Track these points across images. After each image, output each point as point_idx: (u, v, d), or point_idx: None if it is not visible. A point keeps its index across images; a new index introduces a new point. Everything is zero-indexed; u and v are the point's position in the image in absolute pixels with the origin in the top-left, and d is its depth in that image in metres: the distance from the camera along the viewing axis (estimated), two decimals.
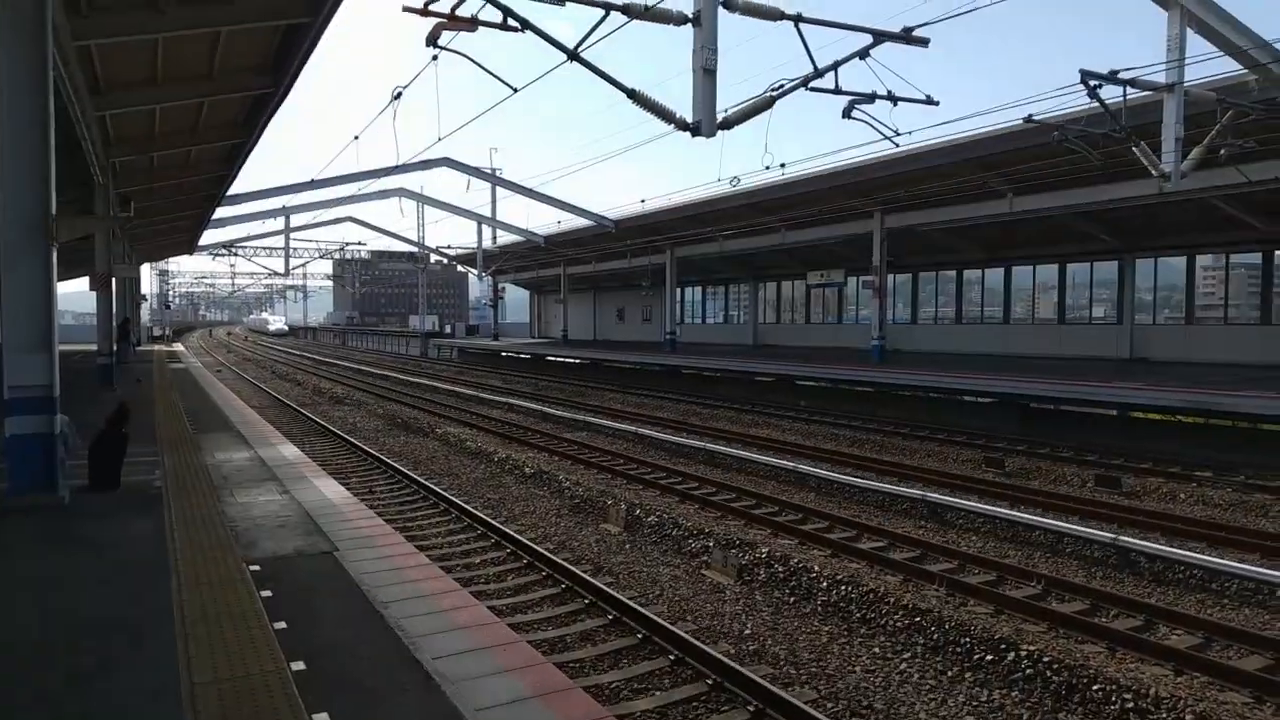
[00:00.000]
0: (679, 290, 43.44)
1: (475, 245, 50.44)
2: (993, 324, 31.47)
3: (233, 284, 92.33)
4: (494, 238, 50.07)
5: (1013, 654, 6.75)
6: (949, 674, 6.84)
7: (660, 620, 7.35)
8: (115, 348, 22.03)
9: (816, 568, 8.87)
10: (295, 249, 55.59)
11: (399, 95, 17.61)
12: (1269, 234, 22.24)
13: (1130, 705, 5.99)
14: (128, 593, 5.83)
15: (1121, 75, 14.37)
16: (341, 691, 4.32)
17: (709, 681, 6.38)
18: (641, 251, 39.78)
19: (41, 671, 4.56)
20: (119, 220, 20.09)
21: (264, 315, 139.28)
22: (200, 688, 4.31)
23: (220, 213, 34.86)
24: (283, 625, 5.17)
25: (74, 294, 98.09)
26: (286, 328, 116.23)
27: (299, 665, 4.60)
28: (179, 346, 54.32)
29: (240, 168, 23.22)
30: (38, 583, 6.10)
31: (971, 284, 32.90)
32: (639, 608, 7.69)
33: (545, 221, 43.10)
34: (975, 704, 6.35)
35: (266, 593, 5.76)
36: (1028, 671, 6.58)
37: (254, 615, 5.33)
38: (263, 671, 4.50)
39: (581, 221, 38.27)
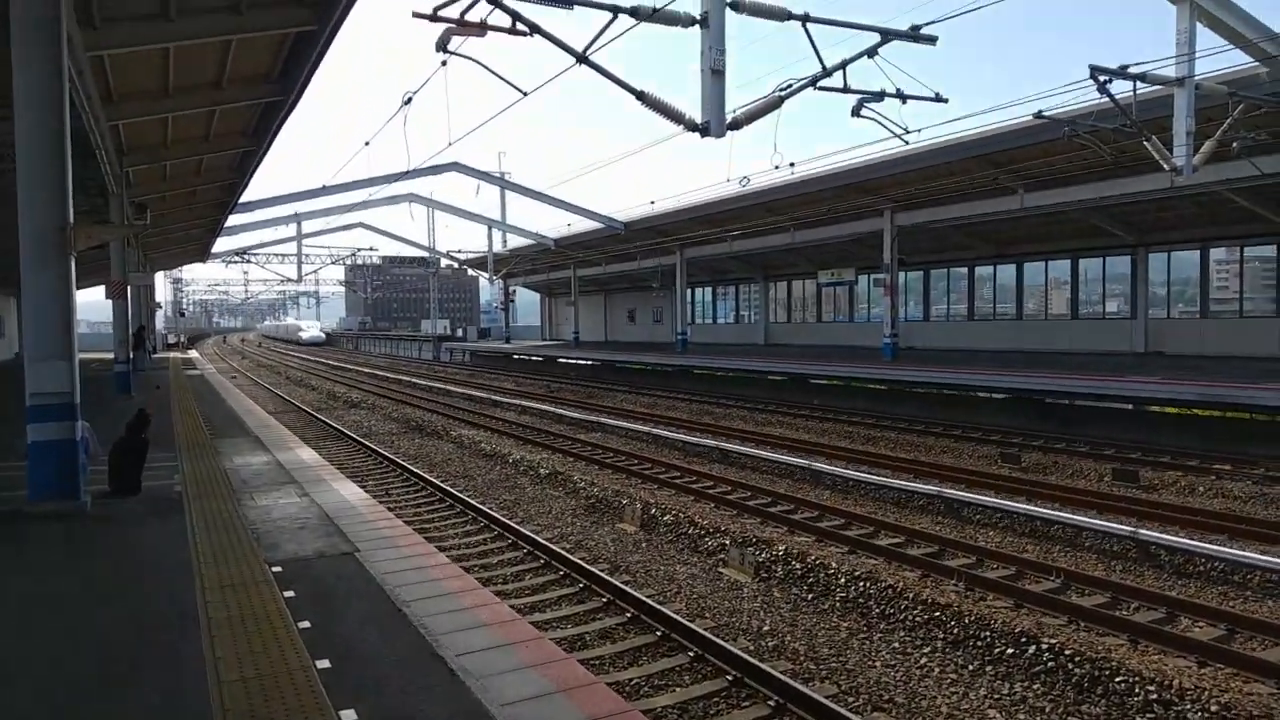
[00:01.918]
0: (689, 291, 43.47)
1: (486, 249, 50.62)
2: (1005, 320, 31.35)
3: (246, 291, 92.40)
4: (504, 241, 50.28)
5: (1034, 647, 6.73)
6: (970, 668, 6.83)
7: (679, 618, 7.36)
8: (132, 355, 22.16)
9: (834, 564, 8.87)
10: (307, 255, 55.86)
11: (409, 100, 17.70)
12: None
13: (1154, 697, 5.97)
14: (152, 596, 5.89)
15: (1131, 70, 14.34)
16: (367, 688, 4.35)
17: (729, 677, 6.38)
18: (651, 253, 39.81)
19: (72, 674, 4.62)
20: (134, 228, 20.26)
21: (289, 320, 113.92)
22: (228, 686, 4.35)
23: (233, 220, 35.14)
24: (307, 625, 5.22)
25: (89, 303, 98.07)
26: (323, 335, 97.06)
27: (324, 663, 4.64)
28: (194, 353, 54.69)
29: (252, 175, 23.42)
30: (63, 588, 6.17)
31: (983, 280, 32.78)
32: (658, 605, 7.71)
33: (555, 224, 43.15)
34: (997, 697, 6.33)
35: (289, 593, 5.81)
36: (1049, 664, 6.56)
37: (278, 615, 5.38)
38: (289, 670, 4.55)
39: (591, 224, 38.30)
